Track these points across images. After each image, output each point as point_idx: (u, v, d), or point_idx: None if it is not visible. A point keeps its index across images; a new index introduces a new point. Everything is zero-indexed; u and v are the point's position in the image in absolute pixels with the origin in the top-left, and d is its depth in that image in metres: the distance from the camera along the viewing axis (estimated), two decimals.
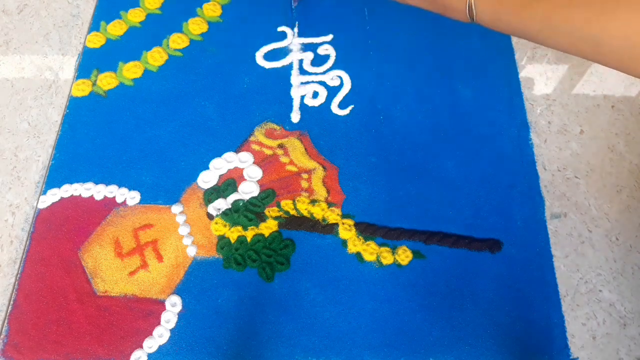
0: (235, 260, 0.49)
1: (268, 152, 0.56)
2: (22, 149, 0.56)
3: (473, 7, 0.45)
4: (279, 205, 0.52)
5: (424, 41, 0.63)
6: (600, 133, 0.57)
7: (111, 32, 0.64)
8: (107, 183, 0.54)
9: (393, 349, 0.45)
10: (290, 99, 0.59)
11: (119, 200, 0.53)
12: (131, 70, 0.61)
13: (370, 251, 0.50)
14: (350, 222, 0.51)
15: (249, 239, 0.51)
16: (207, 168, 0.54)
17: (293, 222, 0.51)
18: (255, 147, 0.56)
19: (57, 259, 0.49)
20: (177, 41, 0.63)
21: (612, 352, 0.46)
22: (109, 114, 0.58)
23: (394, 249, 0.50)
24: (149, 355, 0.45)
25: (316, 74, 0.61)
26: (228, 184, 0.54)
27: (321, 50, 0.63)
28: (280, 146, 0.56)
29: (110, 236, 0.51)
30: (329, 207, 0.52)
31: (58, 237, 0.51)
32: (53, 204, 0.52)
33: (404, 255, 0.49)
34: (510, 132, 0.56)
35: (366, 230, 0.51)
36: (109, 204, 0.53)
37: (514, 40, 0.63)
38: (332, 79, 0.61)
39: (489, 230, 0.51)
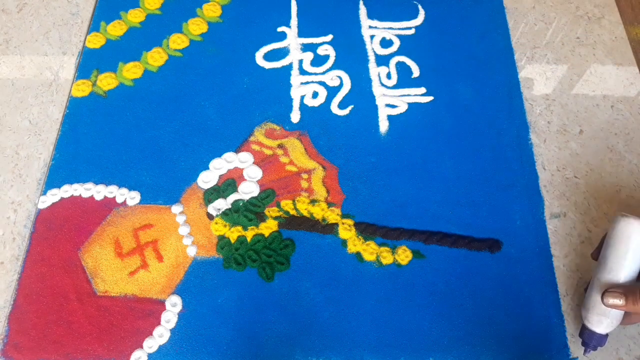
0: (235, 260, 0.49)
1: (268, 152, 0.56)
2: (23, 146, 0.56)
3: None
4: (279, 205, 0.52)
5: (424, 40, 0.63)
6: (599, 133, 0.57)
7: (111, 33, 0.64)
8: (107, 183, 0.54)
9: (393, 349, 0.46)
10: (290, 99, 0.59)
11: (119, 200, 0.53)
12: (131, 71, 0.61)
13: (370, 251, 0.50)
14: (350, 222, 0.51)
15: (249, 239, 0.51)
16: (207, 168, 0.55)
17: (293, 222, 0.51)
18: (255, 147, 0.56)
19: (58, 259, 0.49)
20: (177, 41, 0.63)
21: (612, 352, 0.46)
22: (109, 114, 0.58)
23: (393, 249, 0.50)
24: (149, 355, 0.45)
25: (316, 74, 0.61)
26: (228, 184, 0.54)
27: (321, 51, 0.63)
28: (280, 146, 0.56)
29: (110, 236, 0.51)
30: (328, 207, 0.52)
31: (58, 238, 0.51)
32: (53, 204, 0.52)
33: (404, 255, 0.49)
34: (510, 132, 0.56)
35: (366, 230, 0.51)
36: (109, 204, 0.53)
37: (514, 40, 0.63)
38: (332, 79, 0.61)
39: (489, 230, 0.51)
